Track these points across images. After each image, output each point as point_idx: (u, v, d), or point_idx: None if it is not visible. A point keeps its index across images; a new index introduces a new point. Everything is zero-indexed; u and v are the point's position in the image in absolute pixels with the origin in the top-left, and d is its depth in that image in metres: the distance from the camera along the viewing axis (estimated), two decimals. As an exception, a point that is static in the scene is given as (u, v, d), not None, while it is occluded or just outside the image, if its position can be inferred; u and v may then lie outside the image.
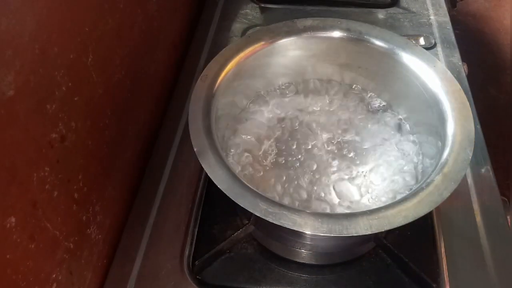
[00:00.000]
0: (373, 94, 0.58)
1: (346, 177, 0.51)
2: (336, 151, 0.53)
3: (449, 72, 0.49)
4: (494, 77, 1.02)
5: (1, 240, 0.31)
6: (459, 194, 0.52)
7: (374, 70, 0.56)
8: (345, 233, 0.36)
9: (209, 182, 0.54)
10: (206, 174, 0.47)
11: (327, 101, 0.58)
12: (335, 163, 0.52)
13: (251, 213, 0.38)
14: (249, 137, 0.54)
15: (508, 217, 0.51)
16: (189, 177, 0.55)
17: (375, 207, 0.40)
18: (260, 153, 0.53)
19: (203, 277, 0.47)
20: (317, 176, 0.51)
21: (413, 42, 0.54)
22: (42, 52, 0.34)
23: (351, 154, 0.53)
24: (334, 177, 0.51)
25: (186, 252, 0.49)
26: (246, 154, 0.52)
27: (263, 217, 0.37)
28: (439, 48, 0.70)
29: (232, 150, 0.53)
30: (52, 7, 0.35)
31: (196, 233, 0.50)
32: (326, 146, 0.53)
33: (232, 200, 0.38)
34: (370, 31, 0.53)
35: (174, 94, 0.66)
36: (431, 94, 0.48)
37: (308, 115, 0.57)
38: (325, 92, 0.59)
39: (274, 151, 0.53)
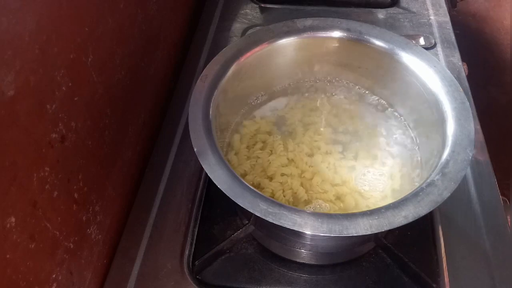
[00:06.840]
0: (373, 94, 0.58)
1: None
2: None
3: (449, 72, 0.49)
4: (494, 77, 1.02)
5: (1, 240, 0.31)
6: (459, 194, 0.52)
7: (374, 70, 0.56)
8: (345, 233, 0.36)
9: (209, 182, 0.54)
10: (206, 174, 0.47)
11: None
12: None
13: (251, 213, 0.38)
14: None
15: (508, 217, 0.51)
16: (189, 177, 0.55)
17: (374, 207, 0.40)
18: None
19: (203, 277, 0.47)
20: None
21: (413, 42, 0.53)
22: (42, 52, 0.34)
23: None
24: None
25: (186, 252, 0.49)
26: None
27: (263, 217, 0.37)
28: (439, 48, 0.70)
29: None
30: (52, 7, 0.35)
31: (196, 233, 0.50)
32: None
33: (232, 200, 0.38)
34: (370, 31, 0.53)
35: (174, 94, 0.66)
36: (431, 94, 0.48)
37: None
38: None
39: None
